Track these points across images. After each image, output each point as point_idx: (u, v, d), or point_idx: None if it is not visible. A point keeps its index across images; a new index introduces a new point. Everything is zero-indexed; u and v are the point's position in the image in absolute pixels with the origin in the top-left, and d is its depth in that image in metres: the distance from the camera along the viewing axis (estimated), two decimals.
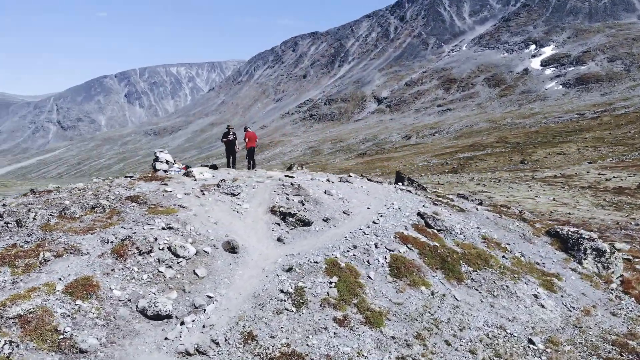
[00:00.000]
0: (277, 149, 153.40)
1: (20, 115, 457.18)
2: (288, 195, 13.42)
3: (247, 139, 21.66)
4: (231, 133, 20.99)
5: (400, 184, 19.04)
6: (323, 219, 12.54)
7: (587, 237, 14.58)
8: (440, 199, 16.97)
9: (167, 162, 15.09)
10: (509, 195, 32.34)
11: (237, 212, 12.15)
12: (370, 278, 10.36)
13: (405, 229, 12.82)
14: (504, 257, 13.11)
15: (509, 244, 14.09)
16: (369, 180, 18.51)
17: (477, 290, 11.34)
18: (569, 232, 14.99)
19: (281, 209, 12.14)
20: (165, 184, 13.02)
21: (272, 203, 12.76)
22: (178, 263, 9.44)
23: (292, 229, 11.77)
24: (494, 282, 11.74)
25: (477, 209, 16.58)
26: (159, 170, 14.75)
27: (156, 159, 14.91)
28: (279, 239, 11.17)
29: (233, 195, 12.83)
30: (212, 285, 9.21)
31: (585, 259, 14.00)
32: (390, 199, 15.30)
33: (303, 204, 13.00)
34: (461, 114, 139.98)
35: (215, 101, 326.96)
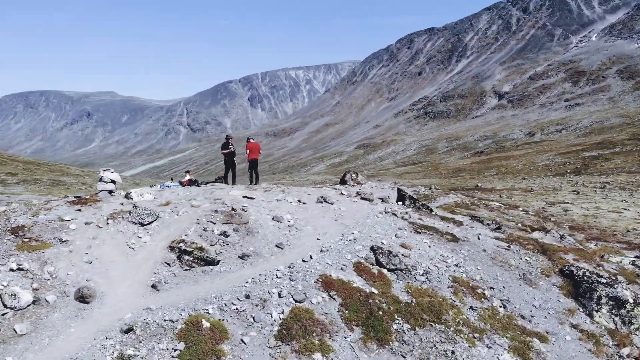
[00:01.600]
0: (390, 148, 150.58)
1: (154, 118, 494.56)
2: (214, 223, 11.41)
3: (248, 151, 19.86)
4: (230, 144, 19.31)
5: (400, 203, 16.19)
6: (239, 256, 10.42)
7: (605, 280, 11.06)
8: (433, 224, 14.00)
9: (112, 182, 13.68)
10: (594, 207, 27.57)
11: (131, 247, 10.40)
12: (243, 342, 8.10)
13: (342, 269, 10.33)
14: (471, 308, 10.19)
15: (492, 288, 11.07)
16: (364, 199, 15.92)
17: (403, 357, 8.64)
18: (586, 272, 11.52)
19: (180, 245, 10.17)
20: (82, 210, 11.57)
21: (180, 236, 10.81)
22: (2, 315, 7.82)
23: (186, 269, 9.79)
24: (434, 346, 8.97)
25: (478, 238, 13.44)
26: (101, 190, 13.38)
27: (100, 178, 13.55)
28: (153, 286, 9.22)
29: (142, 225, 11.10)
30: (23, 347, 7.51)
31: (598, 310, 10.66)
32: (357, 226, 12.77)
33: (226, 236, 10.95)
34: (591, 108, 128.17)
35: (330, 102, 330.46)
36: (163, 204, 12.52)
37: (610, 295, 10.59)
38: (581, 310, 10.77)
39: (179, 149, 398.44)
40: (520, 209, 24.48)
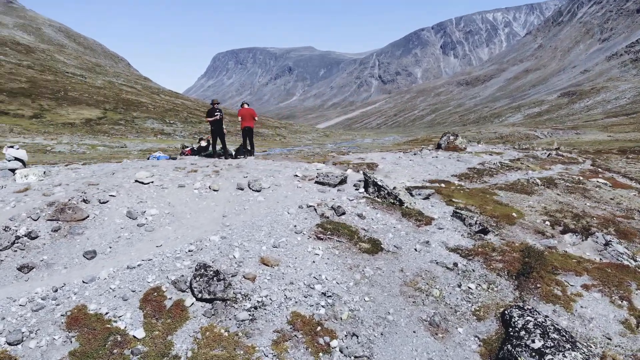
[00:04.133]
0: (599, 96, 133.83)
1: (348, 71, 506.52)
2: (35, 219, 9.55)
3: (240, 118, 17.36)
4: (217, 110, 17.00)
5: (363, 190, 12.56)
6: (18, 267, 8.50)
7: (565, 345, 6.98)
8: (366, 224, 10.39)
9: (17, 159, 12.49)
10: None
11: None
12: None
13: (123, 298, 7.83)
14: None
15: (355, 336, 7.73)
16: (319, 183, 12.61)
17: None
18: (530, 321, 7.43)
19: None
20: None
21: None
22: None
23: None
24: None
25: (415, 249, 9.68)
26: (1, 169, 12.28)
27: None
28: None
29: None
30: None
31: None
32: (236, 229, 9.91)
33: (32, 238, 9.04)
34: None
35: (531, 46, 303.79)
36: (21, 190, 10.90)
37: None
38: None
39: (370, 101, 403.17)
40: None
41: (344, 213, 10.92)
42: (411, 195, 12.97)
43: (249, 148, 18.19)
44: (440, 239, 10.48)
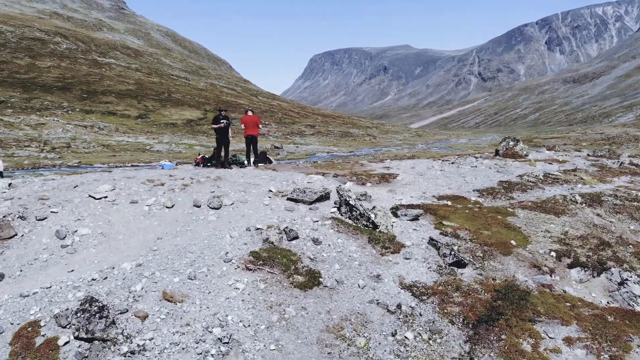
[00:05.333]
0: None
1: (445, 69, 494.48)
2: None
3: (243, 126, 16.48)
4: (222, 117, 16.24)
5: (335, 209, 11.22)
6: None
7: None
8: (315, 251, 9.17)
9: None
10: None
11: None
12: None
13: None
14: None
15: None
16: (291, 200, 11.47)
17: None
18: None
19: None
20: None
21: None
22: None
23: None
24: None
25: (359, 286, 8.39)
26: None
27: None
28: None
29: None
30: None
31: None
32: (161, 257, 9.07)
33: None
34: None
35: None
36: None
37: None
38: None
39: (468, 99, 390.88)
40: None
41: (295, 237, 9.67)
42: (396, 215, 11.41)
43: (254, 157, 17.27)
44: (399, 272, 8.97)
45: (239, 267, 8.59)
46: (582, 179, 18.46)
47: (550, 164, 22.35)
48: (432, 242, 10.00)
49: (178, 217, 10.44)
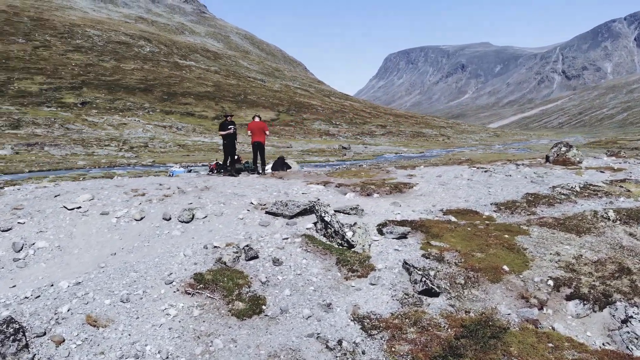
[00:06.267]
0: None
1: (527, 67, 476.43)
2: None
3: (250, 132, 15.95)
4: (229, 123, 15.79)
5: (312, 225, 10.42)
6: None
7: None
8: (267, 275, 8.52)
9: None
10: None
11: None
12: None
13: None
14: None
15: None
16: (270, 213, 10.82)
17: None
18: None
19: None
20: None
21: None
22: None
23: None
24: None
25: (305, 317, 7.63)
26: None
27: None
28: None
29: None
30: None
31: None
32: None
33: None
34: None
35: None
36: None
37: None
38: None
39: (551, 98, 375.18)
40: None
41: (254, 257, 8.98)
42: (381, 233, 10.45)
43: (260, 164, 16.68)
44: (356, 300, 8.08)
45: (178, 290, 8.00)
46: (628, 191, 16.49)
47: (602, 172, 20.31)
48: (405, 265, 8.98)
49: (143, 231, 10.01)
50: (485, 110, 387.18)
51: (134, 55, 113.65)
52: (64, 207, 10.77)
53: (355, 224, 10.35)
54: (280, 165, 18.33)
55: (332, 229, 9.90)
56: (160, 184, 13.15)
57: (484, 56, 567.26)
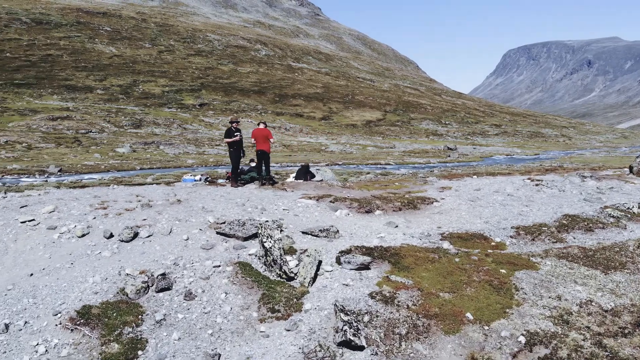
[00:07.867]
0: None
1: None
2: None
3: (254, 140, 14.90)
4: (235, 130, 14.87)
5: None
6: None
7: None
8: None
9: None
10: None
11: None
12: None
13: None
14: None
15: None
16: (221, 233, 9.73)
17: None
18: None
19: None
20: None
21: None
22: None
23: None
24: None
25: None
26: None
27: None
28: None
29: None
30: None
31: None
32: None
33: None
34: None
35: None
36: None
37: None
38: None
39: None
40: None
41: (166, 288, 7.92)
42: (339, 263, 8.92)
43: (264, 174, 15.47)
44: (252, 352, 6.72)
45: (60, 324, 7.14)
46: None
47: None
48: (336, 307, 7.40)
49: (76, 249, 9.30)
50: (613, 109, 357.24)
51: (250, 58, 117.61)
52: (17, 219, 10.33)
53: (305, 250, 8.91)
54: (304, 174, 17.08)
55: (271, 258, 8.52)
56: (138, 195, 12.48)
57: (613, 51, 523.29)
